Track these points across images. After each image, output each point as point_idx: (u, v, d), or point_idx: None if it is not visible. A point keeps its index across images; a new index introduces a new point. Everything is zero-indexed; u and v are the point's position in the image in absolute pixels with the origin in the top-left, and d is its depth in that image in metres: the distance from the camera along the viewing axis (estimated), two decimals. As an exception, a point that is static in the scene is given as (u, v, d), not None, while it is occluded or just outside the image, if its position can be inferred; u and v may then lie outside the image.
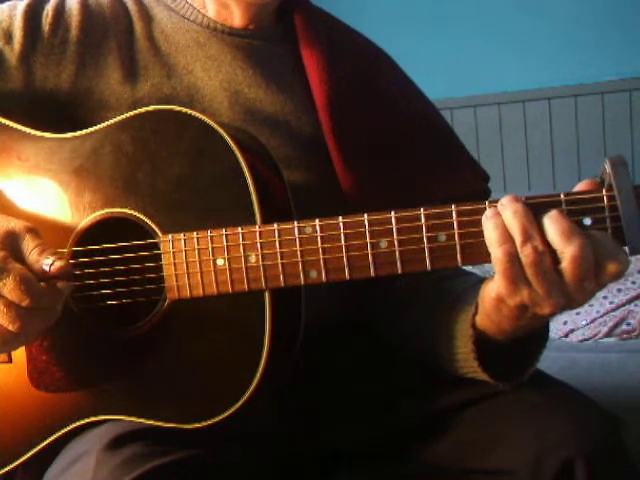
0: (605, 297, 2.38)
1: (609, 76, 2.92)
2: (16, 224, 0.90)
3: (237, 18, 1.10)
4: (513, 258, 0.80)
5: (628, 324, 2.32)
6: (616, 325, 2.32)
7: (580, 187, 0.83)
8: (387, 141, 1.11)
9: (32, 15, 1.06)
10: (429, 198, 0.89)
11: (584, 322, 2.36)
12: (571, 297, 0.82)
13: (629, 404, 1.73)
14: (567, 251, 0.79)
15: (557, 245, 0.80)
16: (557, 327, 2.37)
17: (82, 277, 0.95)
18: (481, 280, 0.94)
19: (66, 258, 0.93)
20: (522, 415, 0.94)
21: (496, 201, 0.83)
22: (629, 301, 2.37)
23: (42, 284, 0.87)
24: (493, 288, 0.84)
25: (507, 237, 0.80)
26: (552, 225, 0.80)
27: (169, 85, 1.06)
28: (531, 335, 0.92)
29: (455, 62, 2.99)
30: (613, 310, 2.36)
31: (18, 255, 0.88)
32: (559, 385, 1.00)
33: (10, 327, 0.85)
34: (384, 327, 1.09)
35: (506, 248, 0.80)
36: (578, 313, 2.38)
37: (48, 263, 0.87)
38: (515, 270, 0.81)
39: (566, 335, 2.37)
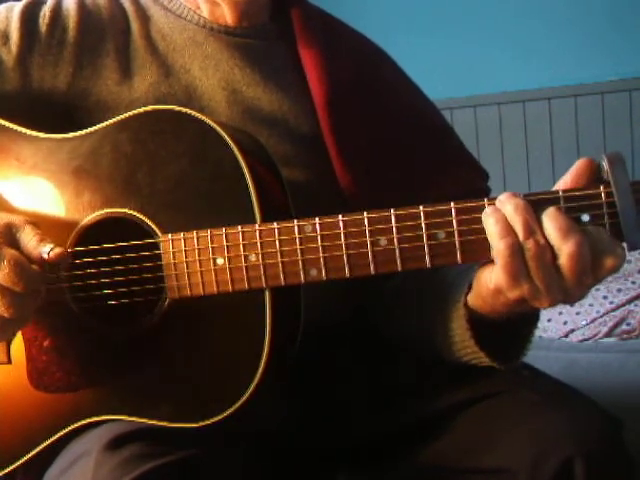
0: (605, 297, 2.38)
1: (609, 76, 2.92)
2: (17, 217, 0.91)
3: (228, 16, 1.10)
4: (515, 251, 0.81)
5: (628, 324, 2.33)
6: (616, 325, 2.33)
7: (574, 170, 0.83)
8: (386, 139, 1.11)
9: (29, 16, 1.06)
10: (428, 196, 0.89)
11: (584, 322, 2.36)
12: (569, 292, 0.83)
13: (629, 404, 1.73)
14: (564, 248, 0.80)
15: (554, 242, 0.80)
16: (557, 327, 2.37)
17: (81, 277, 0.95)
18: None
19: (65, 248, 0.93)
20: (522, 415, 0.94)
21: (495, 199, 0.83)
22: (629, 301, 2.37)
23: (34, 267, 0.88)
24: (492, 279, 0.84)
25: (509, 231, 0.81)
26: (550, 222, 0.80)
27: (167, 84, 1.06)
28: (524, 317, 0.92)
29: (455, 62, 2.99)
30: (613, 310, 2.36)
31: (15, 245, 0.89)
32: (559, 385, 1.00)
33: (5, 314, 0.86)
34: (383, 323, 1.09)
35: (508, 241, 0.80)
36: (578, 313, 2.38)
37: (46, 250, 0.88)
38: (516, 264, 0.81)
39: (566, 335, 2.37)
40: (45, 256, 0.88)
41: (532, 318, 0.95)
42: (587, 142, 2.95)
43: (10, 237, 0.89)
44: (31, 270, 0.87)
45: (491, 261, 0.84)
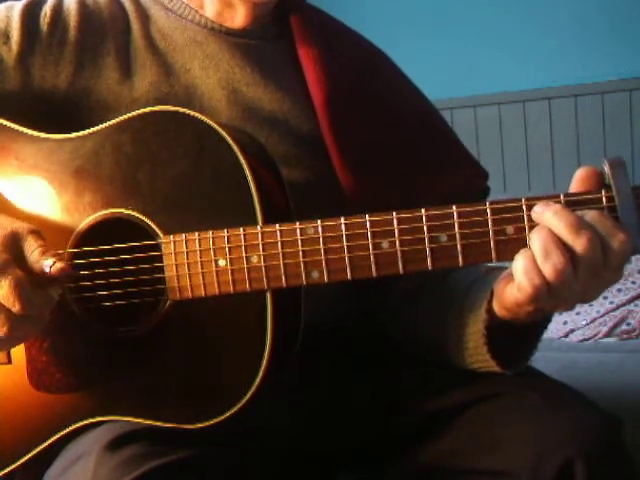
0: (605, 297, 2.38)
1: (609, 76, 2.92)
2: (20, 226, 0.90)
3: (240, 18, 1.10)
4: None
5: (628, 324, 2.33)
6: (616, 325, 2.33)
7: (577, 179, 0.84)
8: (385, 139, 1.11)
9: (30, 16, 1.06)
10: (428, 196, 0.90)
11: (584, 322, 2.36)
12: (587, 291, 0.84)
13: (629, 404, 1.73)
14: (578, 243, 0.80)
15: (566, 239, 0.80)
16: (557, 327, 2.37)
17: (82, 278, 0.95)
18: (491, 269, 0.95)
19: (66, 259, 0.93)
20: (522, 416, 0.94)
21: (496, 202, 0.83)
22: (629, 301, 2.37)
23: (42, 292, 0.87)
24: (514, 295, 0.85)
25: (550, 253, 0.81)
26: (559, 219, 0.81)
27: (167, 84, 1.06)
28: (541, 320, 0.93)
29: (455, 62, 2.99)
30: (613, 310, 2.36)
31: (20, 256, 0.88)
32: (559, 385, 1.00)
33: (0, 332, 0.85)
34: (389, 323, 1.09)
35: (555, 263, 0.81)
36: (578, 313, 2.38)
37: (49, 264, 0.87)
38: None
39: (566, 335, 2.37)
40: (47, 270, 0.87)
41: (545, 319, 0.95)
42: (587, 142, 2.96)
43: (15, 247, 0.88)
44: (32, 293, 0.86)
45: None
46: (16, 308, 0.84)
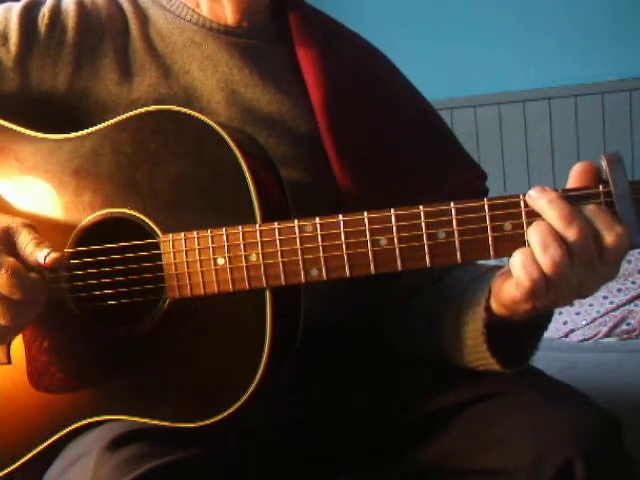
0: (605, 297, 2.38)
1: (609, 76, 2.92)
2: (13, 220, 0.91)
3: (229, 14, 1.10)
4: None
5: (628, 324, 2.33)
6: (616, 325, 2.33)
7: (574, 174, 0.84)
8: (384, 140, 1.11)
9: (28, 17, 1.06)
10: (427, 197, 0.90)
11: (584, 322, 2.37)
12: (584, 284, 0.83)
13: (629, 404, 1.73)
14: (569, 234, 0.80)
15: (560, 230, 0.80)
16: (557, 327, 2.37)
17: (81, 277, 0.95)
18: (490, 268, 0.95)
19: (62, 253, 0.93)
20: (522, 415, 0.94)
21: (494, 199, 0.83)
22: (629, 301, 2.37)
23: (32, 274, 0.88)
24: (512, 292, 0.85)
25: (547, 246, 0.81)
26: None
27: (166, 85, 1.06)
28: (539, 318, 0.93)
29: (455, 62, 2.99)
30: (613, 310, 2.36)
31: (13, 250, 0.89)
32: (559, 385, 1.00)
33: (2, 321, 0.86)
34: (388, 322, 1.09)
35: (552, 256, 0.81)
36: (578, 313, 2.38)
37: (43, 255, 0.88)
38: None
39: (566, 335, 2.37)
40: (41, 261, 0.88)
41: (545, 319, 0.95)
42: (587, 142, 2.96)
43: (8, 243, 0.89)
44: (29, 280, 0.87)
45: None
46: (16, 296, 0.86)
